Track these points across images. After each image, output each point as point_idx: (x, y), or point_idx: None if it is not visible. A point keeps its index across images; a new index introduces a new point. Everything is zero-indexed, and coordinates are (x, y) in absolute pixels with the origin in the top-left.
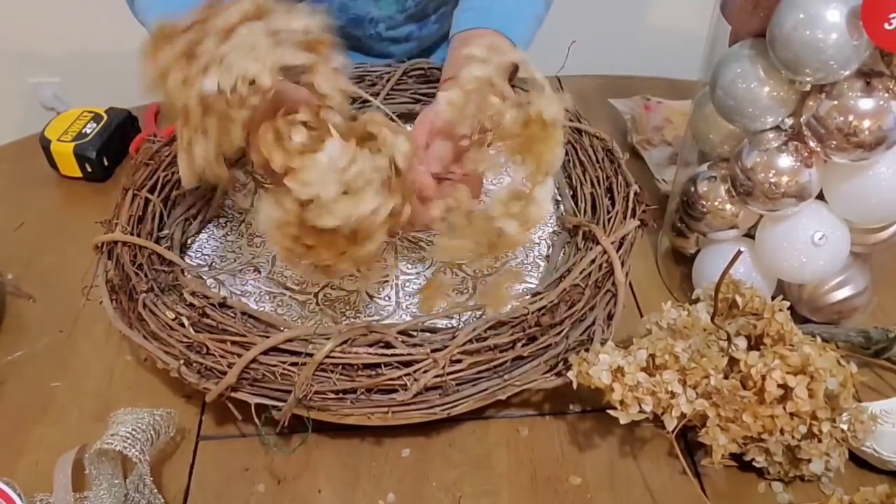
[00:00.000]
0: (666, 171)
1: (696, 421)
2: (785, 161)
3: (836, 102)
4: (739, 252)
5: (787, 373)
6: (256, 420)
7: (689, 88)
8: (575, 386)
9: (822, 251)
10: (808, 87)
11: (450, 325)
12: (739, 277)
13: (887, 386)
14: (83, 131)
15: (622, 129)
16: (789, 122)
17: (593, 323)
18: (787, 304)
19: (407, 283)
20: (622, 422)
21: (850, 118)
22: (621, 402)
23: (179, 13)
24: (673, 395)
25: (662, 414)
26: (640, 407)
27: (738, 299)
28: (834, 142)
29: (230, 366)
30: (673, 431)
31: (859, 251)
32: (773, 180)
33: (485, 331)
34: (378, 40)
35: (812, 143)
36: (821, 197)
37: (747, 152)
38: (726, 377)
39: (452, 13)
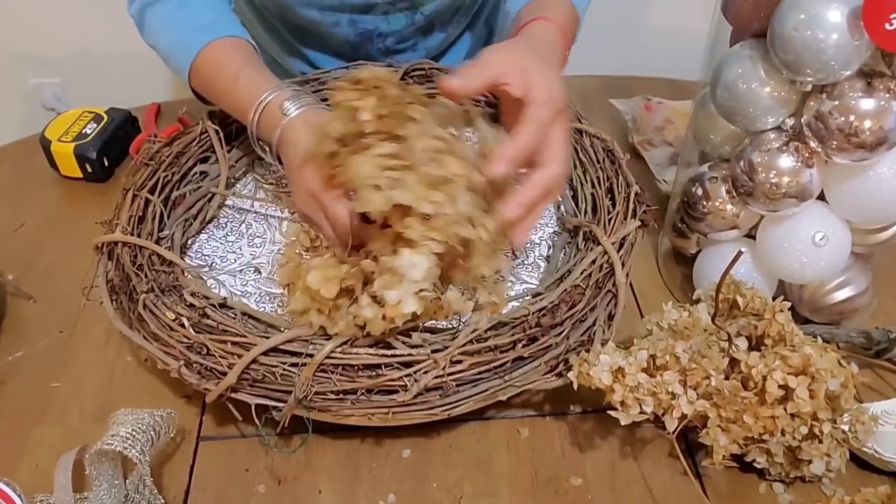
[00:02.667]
0: (667, 172)
1: (697, 422)
2: (786, 161)
3: (836, 103)
4: (740, 253)
5: (788, 373)
6: (257, 421)
7: (689, 88)
8: (576, 387)
9: (822, 251)
10: (808, 88)
11: (450, 326)
12: (740, 278)
13: (888, 387)
14: (83, 132)
15: (623, 129)
16: (790, 122)
17: (594, 323)
18: (788, 304)
19: None
20: (623, 423)
21: (851, 118)
22: (622, 403)
23: (189, 39)
24: (674, 395)
25: (663, 415)
26: (641, 408)
27: (739, 300)
28: (835, 142)
29: (230, 366)
30: (674, 432)
31: (860, 252)
32: (774, 181)
33: (485, 331)
34: (385, 53)
35: (813, 144)
36: (822, 198)
37: (748, 153)
38: (727, 378)
39: (458, 23)
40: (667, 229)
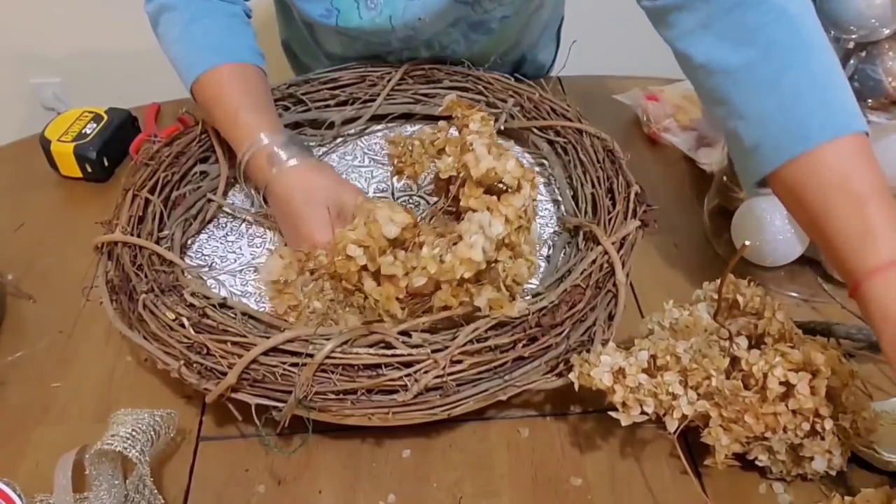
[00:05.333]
0: (696, 154)
1: (699, 421)
2: None
3: (876, 63)
4: (745, 245)
5: (789, 370)
6: (257, 421)
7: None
8: (576, 387)
9: None
10: (851, 45)
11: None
12: (774, 233)
13: (891, 384)
14: (83, 131)
15: (626, 125)
16: None
17: (594, 323)
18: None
19: None
20: (623, 424)
21: (890, 79)
22: (623, 404)
23: (196, 56)
24: (674, 396)
25: (664, 415)
26: (642, 409)
27: (739, 299)
28: (871, 100)
29: (230, 366)
30: (675, 433)
31: None
32: None
33: (485, 331)
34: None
35: None
36: None
37: None
38: (728, 376)
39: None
40: (713, 192)
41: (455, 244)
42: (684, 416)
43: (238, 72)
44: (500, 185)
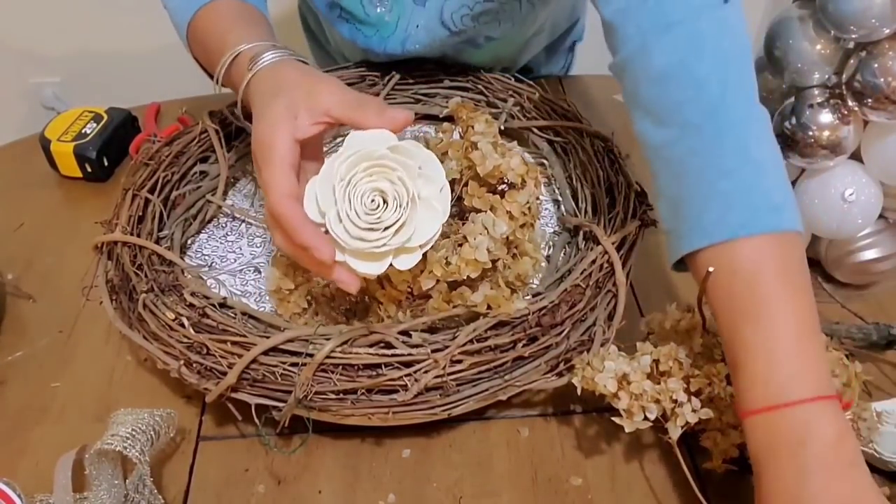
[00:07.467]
0: None
1: (699, 424)
2: (825, 117)
3: (876, 63)
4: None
5: None
6: (257, 421)
7: None
8: (579, 391)
9: (852, 208)
10: (851, 45)
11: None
12: None
13: (892, 384)
14: (83, 131)
15: (626, 125)
16: (835, 79)
17: (594, 323)
18: None
19: None
20: (627, 430)
21: (889, 79)
22: (626, 411)
23: None
24: (678, 403)
25: (667, 422)
26: (645, 415)
27: None
28: (870, 100)
29: (230, 366)
30: (676, 439)
31: (893, 218)
32: (812, 135)
33: (485, 331)
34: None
35: (851, 102)
36: (860, 161)
37: (790, 108)
38: (728, 379)
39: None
40: None
41: (460, 245)
42: (686, 423)
43: (234, 6)
44: (503, 187)
